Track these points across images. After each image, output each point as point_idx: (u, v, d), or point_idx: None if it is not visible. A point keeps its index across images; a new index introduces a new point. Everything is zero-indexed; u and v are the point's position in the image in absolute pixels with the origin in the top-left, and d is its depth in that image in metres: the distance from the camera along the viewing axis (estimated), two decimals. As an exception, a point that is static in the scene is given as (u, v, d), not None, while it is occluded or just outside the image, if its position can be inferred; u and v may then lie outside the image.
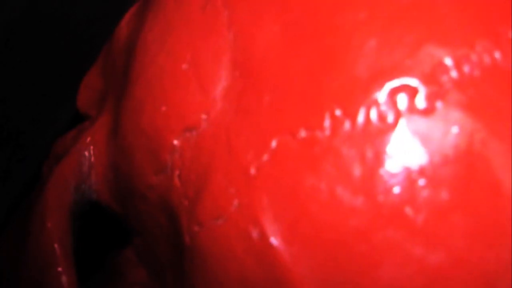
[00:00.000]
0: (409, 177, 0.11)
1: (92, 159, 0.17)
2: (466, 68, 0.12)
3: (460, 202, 0.11)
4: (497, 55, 0.12)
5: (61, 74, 0.24)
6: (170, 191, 0.14)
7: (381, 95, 0.11)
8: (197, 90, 0.14)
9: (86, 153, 0.17)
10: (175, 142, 0.14)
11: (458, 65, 0.12)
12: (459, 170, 0.11)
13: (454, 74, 0.12)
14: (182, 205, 0.14)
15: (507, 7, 0.12)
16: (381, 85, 0.12)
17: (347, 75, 0.12)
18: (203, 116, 0.14)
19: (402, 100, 0.11)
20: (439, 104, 0.11)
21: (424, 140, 0.11)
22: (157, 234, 0.15)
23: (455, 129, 0.11)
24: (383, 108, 0.11)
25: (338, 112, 0.12)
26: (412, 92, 0.11)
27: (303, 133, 0.12)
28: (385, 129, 0.11)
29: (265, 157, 0.12)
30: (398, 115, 0.11)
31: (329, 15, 0.13)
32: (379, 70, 0.12)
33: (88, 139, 0.17)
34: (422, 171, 0.11)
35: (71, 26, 0.24)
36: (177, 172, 0.14)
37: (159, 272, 0.16)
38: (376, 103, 0.11)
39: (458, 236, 0.11)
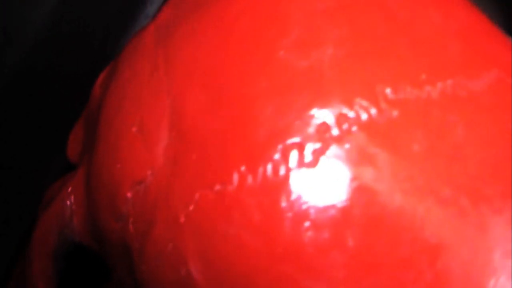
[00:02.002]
0: (297, 220, 0.13)
1: (73, 206, 0.20)
2: (345, 126, 0.14)
3: (338, 240, 0.13)
4: (373, 111, 0.14)
5: (56, 124, 0.27)
6: (127, 235, 0.17)
7: (276, 154, 0.14)
8: (143, 149, 0.17)
9: (68, 202, 0.20)
10: (128, 194, 0.17)
11: (338, 123, 0.14)
12: (337, 213, 0.13)
13: (335, 131, 0.14)
14: (134, 248, 0.17)
15: (385, 65, 0.15)
16: (275, 145, 0.14)
17: (250, 138, 0.14)
18: (149, 172, 0.17)
19: (292, 157, 0.14)
20: (322, 158, 0.14)
21: (309, 189, 0.14)
22: (123, 271, 0.18)
23: (334, 179, 0.13)
24: (277, 164, 0.14)
25: (243, 169, 0.14)
26: (300, 149, 0.14)
27: (217, 187, 0.14)
28: (278, 181, 0.14)
29: (191, 207, 0.15)
30: (288, 169, 0.14)
31: (240, 85, 0.15)
32: (274, 132, 0.14)
33: (70, 189, 0.20)
34: (307, 215, 0.13)
35: (64, 80, 0.27)
36: (131, 219, 0.17)
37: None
38: (271, 160, 0.14)
39: (338, 268, 0.13)
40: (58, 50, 0.26)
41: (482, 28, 0.17)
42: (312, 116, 0.14)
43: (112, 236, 0.18)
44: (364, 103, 0.14)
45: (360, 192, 0.13)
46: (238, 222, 0.14)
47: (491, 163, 0.14)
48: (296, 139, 0.14)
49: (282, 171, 0.14)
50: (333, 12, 0.15)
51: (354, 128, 0.14)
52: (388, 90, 0.14)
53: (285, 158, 0.14)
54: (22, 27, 0.24)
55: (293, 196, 0.14)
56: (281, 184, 0.14)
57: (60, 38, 0.26)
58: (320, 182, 0.14)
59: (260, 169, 0.14)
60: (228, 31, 0.16)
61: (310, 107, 0.14)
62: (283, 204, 0.14)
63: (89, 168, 0.19)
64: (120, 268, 0.19)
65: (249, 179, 0.14)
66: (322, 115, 0.14)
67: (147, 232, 0.16)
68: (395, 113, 0.14)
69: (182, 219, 0.15)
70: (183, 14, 0.19)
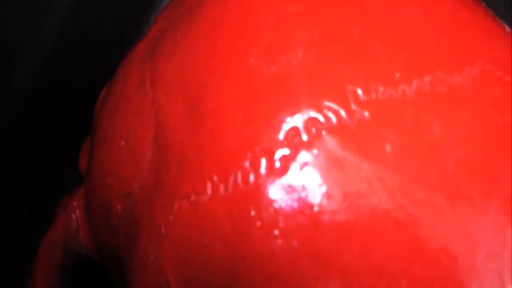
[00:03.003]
0: (266, 229, 0.13)
1: (79, 220, 0.21)
2: (314, 130, 0.14)
3: (308, 248, 0.13)
4: (343, 113, 0.14)
5: (73, 137, 0.28)
6: (120, 248, 0.17)
7: (246, 162, 0.14)
8: (130, 163, 0.17)
9: (73, 216, 0.21)
10: (118, 207, 0.17)
11: (307, 128, 0.14)
12: (306, 220, 0.13)
13: (304, 136, 0.14)
14: (125, 258, 0.17)
15: (357, 65, 0.14)
16: (245, 153, 0.14)
17: (222, 147, 0.14)
18: (135, 184, 0.17)
19: (262, 164, 0.14)
20: (291, 165, 0.14)
21: (278, 196, 0.13)
22: (121, 283, 0.18)
23: (302, 185, 0.13)
24: (247, 172, 0.14)
25: (215, 178, 0.14)
26: (269, 156, 0.14)
27: (193, 197, 0.15)
28: (248, 190, 0.14)
29: (171, 218, 0.15)
30: (257, 177, 0.14)
31: (213, 95, 0.15)
32: (244, 140, 0.14)
33: (75, 202, 0.21)
34: (276, 223, 0.13)
35: (78, 93, 0.28)
36: (122, 231, 0.17)
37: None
38: (241, 168, 0.14)
39: (306, 276, 0.13)
40: (70, 64, 0.27)
41: (470, 20, 0.17)
42: (281, 122, 0.14)
43: (108, 248, 0.18)
44: (334, 105, 0.14)
45: (329, 197, 0.13)
46: (211, 232, 0.14)
47: (471, 161, 0.14)
48: (265, 146, 0.14)
49: (251, 179, 0.14)
50: (304, 14, 0.15)
51: (324, 132, 0.14)
52: (359, 91, 0.14)
53: (254, 166, 0.14)
54: (31, 43, 0.25)
55: (262, 204, 0.13)
56: (251, 193, 0.14)
57: (72, 51, 0.27)
58: (288, 189, 0.13)
59: (231, 178, 0.14)
60: (204, 42, 0.16)
61: (279, 113, 0.14)
62: (252, 212, 0.13)
63: (86, 181, 0.20)
64: (119, 280, 0.19)
65: (221, 188, 0.14)
66: (291, 120, 0.14)
67: (135, 244, 0.16)
68: (366, 114, 0.14)
69: (163, 230, 0.15)
70: (169, 27, 0.19)
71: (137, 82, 0.18)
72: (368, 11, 0.15)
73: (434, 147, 0.14)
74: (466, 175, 0.14)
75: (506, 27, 0.18)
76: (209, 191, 0.14)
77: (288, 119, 0.14)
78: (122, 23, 0.29)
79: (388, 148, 0.14)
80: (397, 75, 0.14)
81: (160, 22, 0.20)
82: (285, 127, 0.14)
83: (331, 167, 0.13)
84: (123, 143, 0.18)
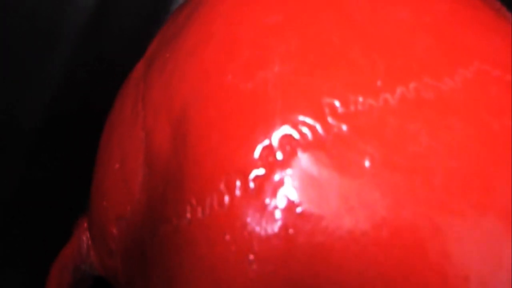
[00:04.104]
0: (241, 253, 0.13)
1: (90, 241, 0.21)
2: (288, 148, 0.13)
3: (283, 273, 0.12)
4: (319, 128, 0.13)
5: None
6: (117, 272, 0.17)
7: (221, 184, 0.13)
8: (124, 186, 0.17)
9: (84, 238, 0.21)
10: (114, 230, 0.17)
11: (281, 146, 0.13)
12: (281, 243, 0.12)
13: (279, 155, 0.13)
14: (121, 284, 0.17)
15: (335, 76, 0.14)
16: (221, 175, 0.13)
17: (199, 169, 0.14)
18: (128, 207, 0.17)
19: (237, 186, 0.13)
20: (265, 185, 0.13)
21: (251, 219, 0.13)
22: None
23: (276, 207, 0.13)
24: (222, 194, 0.13)
25: (194, 202, 0.14)
26: (244, 177, 0.13)
27: (175, 221, 0.14)
28: (223, 213, 0.13)
29: (156, 242, 0.15)
30: (232, 199, 0.13)
31: (194, 115, 0.15)
32: (219, 162, 0.14)
33: (85, 224, 0.21)
34: (250, 247, 0.13)
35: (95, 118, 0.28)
36: (119, 254, 0.17)
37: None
38: (217, 191, 0.13)
39: (282, 302, 0.12)
40: (83, 90, 0.27)
41: (469, 16, 0.16)
42: (255, 141, 0.13)
43: (109, 272, 0.18)
44: (309, 120, 0.13)
45: (304, 218, 0.12)
46: (190, 257, 0.13)
47: (462, 171, 0.13)
48: (239, 167, 0.13)
49: (226, 201, 0.13)
50: (282, 25, 0.15)
51: (299, 150, 0.13)
52: (336, 103, 0.13)
53: (229, 188, 0.13)
54: (41, 75, 0.25)
55: (237, 228, 0.13)
56: (226, 216, 0.13)
57: (85, 76, 0.27)
58: (262, 210, 0.13)
59: (208, 201, 0.14)
60: (187, 61, 0.16)
61: (254, 131, 0.13)
62: (227, 236, 0.13)
63: (89, 204, 0.20)
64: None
65: (199, 212, 0.14)
66: (265, 139, 0.13)
67: (128, 269, 0.16)
68: (344, 127, 0.13)
69: (149, 253, 0.15)
70: (162, 45, 0.19)
71: (132, 102, 0.18)
72: (351, 15, 0.15)
73: (420, 159, 0.13)
74: (456, 187, 0.13)
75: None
76: (188, 215, 0.14)
77: (262, 137, 0.13)
78: (134, 47, 0.29)
79: (367, 163, 0.13)
80: (379, 83, 0.13)
81: (156, 41, 0.20)
82: (260, 146, 0.13)
83: (307, 186, 0.13)
84: (117, 165, 0.18)
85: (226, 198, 0.13)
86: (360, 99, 0.13)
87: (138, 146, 0.17)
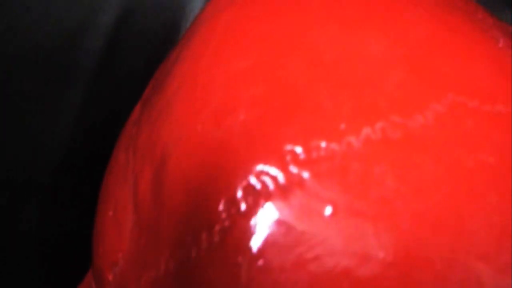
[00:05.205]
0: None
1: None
2: (250, 199, 0.13)
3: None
4: (281, 178, 0.13)
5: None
6: (115, 317, 0.18)
7: (189, 237, 0.13)
8: (116, 233, 0.17)
9: (93, 284, 0.21)
10: (110, 277, 0.17)
11: (245, 197, 0.13)
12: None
13: (243, 206, 0.13)
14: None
15: (299, 121, 0.13)
16: (190, 228, 0.14)
17: (170, 222, 0.14)
18: (120, 254, 0.17)
19: (203, 239, 0.13)
20: (228, 237, 0.13)
21: (216, 273, 0.13)
22: None
23: (237, 260, 0.13)
24: (189, 248, 0.13)
25: (167, 254, 0.14)
26: (210, 230, 0.13)
27: (153, 273, 0.14)
28: (190, 266, 0.13)
29: (142, 281, 0.15)
30: (199, 252, 0.13)
31: (168, 165, 0.15)
32: (188, 214, 0.14)
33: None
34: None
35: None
36: (116, 301, 0.17)
37: None
38: (185, 245, 0.13)
39: None
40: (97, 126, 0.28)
41: (448, 42, 0.15)
42: (220, 193, 0.13)
43: (112, 316, 0.19)
44: (272, 170, 0.13)
45: (265, 272, 0.12)
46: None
47: (432, 214, 0.12)
48: (205, 220, 0.13)
49: (193, 255, 0.13)
50: (251, 70, 0.15)
51: (261, 200, 0.13)
52: (298, 150, 0.13)
53: (196, 241, 0.13)
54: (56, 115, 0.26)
55: (203, 284, 0.13)
56: (193, 270, 0.13)
57: (97, 113, 0.28)
58: (225, 264, 0.13)
59: (178, 255, 0.14)
60: (169, 105, 0.16)
61: (218, 183, 0.13)
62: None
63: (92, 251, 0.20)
64: None
65: (171, 265, 0.14)
66: (229, 190, 0.13)
67: (121, 316, 0.16)
68: (305, 175, 0.13)
69: (134, 303, 0.15)
70: (153, 89, 0.19)
71: (125, 147, 0.19)
72: (320, 55, 0.14)
73: (385, 203, 0.12)
74: (424, 231, 0.12)
75: (504, 40, 0.16)
76: (162, 267, 0.14)
77: (226, 189, 0.13)
78: (144, 88, 0.30)
79: (328, 210, 0.12)
80: (342, 126, 0.13)
81: (151, 83, 0.20)
82: (224, 198, 0.13)
83: (268, 238, 0.12)
84: (111, 213, 0.18)
85: (193, 252, 0.13)
86: (323, 144, 0.13)
87: (129, 193, 0.17)
